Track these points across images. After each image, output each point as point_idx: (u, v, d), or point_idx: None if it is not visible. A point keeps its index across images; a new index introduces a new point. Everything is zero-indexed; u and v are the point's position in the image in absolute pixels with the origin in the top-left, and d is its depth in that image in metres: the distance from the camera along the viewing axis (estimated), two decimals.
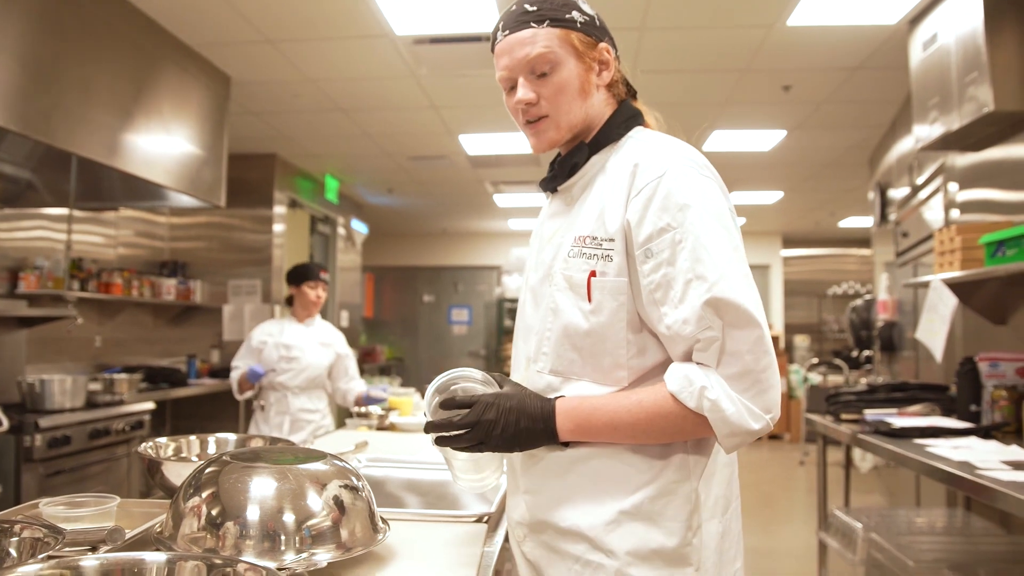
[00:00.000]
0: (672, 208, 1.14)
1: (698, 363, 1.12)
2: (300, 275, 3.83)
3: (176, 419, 5.50)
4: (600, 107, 1.30)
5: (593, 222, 1.22)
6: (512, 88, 1.27)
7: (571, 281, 1.22)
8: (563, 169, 1.31)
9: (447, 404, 1.21)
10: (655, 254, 1.14)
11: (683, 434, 1.15)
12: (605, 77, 1.29)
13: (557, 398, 1.21)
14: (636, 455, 1.18)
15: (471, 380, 1.26)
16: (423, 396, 4.12)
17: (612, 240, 1.19)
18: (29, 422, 3.39)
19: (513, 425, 1.17)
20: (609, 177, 1.24)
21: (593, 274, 1.19)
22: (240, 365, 3.88)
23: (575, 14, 1.25)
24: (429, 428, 1.20)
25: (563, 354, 1.23)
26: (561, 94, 1.24)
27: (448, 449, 1.22)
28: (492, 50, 1.30)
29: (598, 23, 1.29)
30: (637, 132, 1.29)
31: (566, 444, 1.21)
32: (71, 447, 3.59)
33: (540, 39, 1.22)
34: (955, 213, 3.83)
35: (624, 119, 1.30)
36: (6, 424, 3.27)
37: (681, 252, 1.12)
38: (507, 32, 1.26)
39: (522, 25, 1.24)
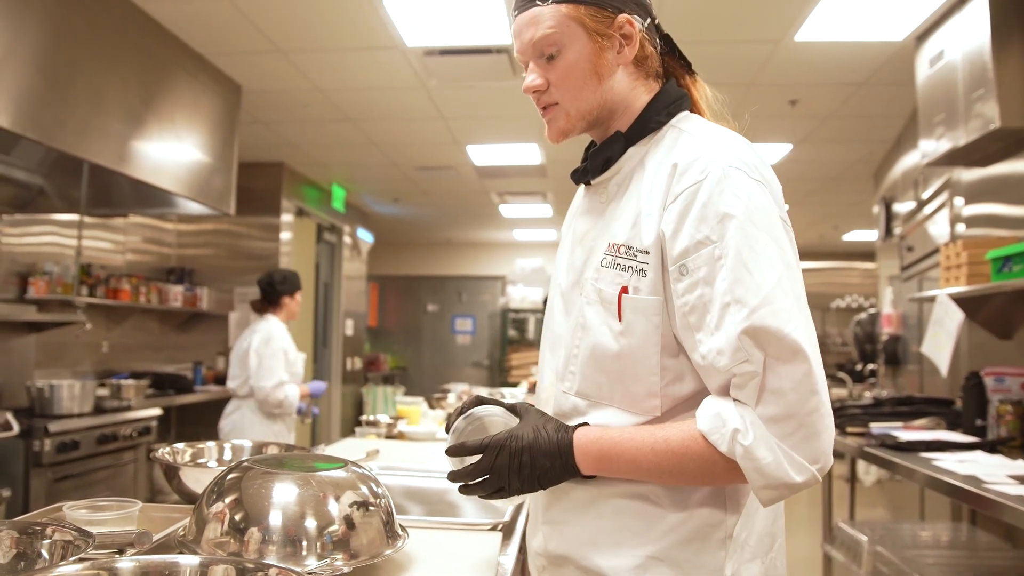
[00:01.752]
0: (711, 218, 0.99)
1: (735, 399, 0.98)
2: (297, 284, 4.06)
3: (181, 425, 5.51)
4: (625, 88, 1.15)
5: (629, 229, 1.09)
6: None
7: (601, 295, 1.09)
8: (596, 162, 1.17)
9: (455, 451, 1.11)
10: (691, 271, 1.00)
11: (714, 479, 1.02)
12: (628, 53, 1.13)
13: (577, 427, 1.09)
14: (665, 492, 1.06)
15: (490, 417, 1.16)
16: (431, 405, 4.09)
17: (647, 252, 1.05)
18: (38, 427, 3.41)
19: (529, 466, 1.06)
20: (647, 176, 1.10)
21: (624, 290, 1.06)
22: (287, 378, 3.86)
23: None
24: (450, 478, 1.13)
25: (591, 376, 1.11)
26: (569, 78, 1.12)
27: None
28: None
29: None
30: (681, 120, 1.14)
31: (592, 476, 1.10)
32: (79, 452, 3.61)
33: (545, 19, 1.10)
34: (961, 228, 3.85)
35: (666, 104, 1.14)
36: (16, 428, 3.28)
37: (721, 270, 0.98)
38: (516, 12, 1.15)
39: (528, 3, 1.12)
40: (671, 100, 1.15)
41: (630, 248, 1.07)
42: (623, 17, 1.12)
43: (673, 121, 1.14)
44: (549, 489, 1.14)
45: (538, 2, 1.11)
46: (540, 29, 1.11)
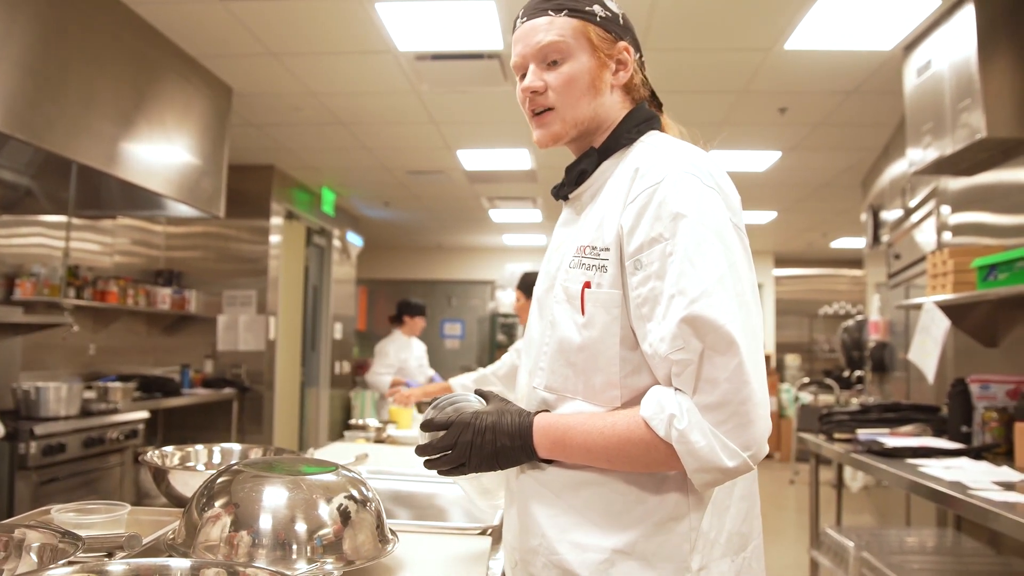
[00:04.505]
0: (665, 217, 1.07)
1: (676, 388, 1.04)
2: (416, 311, 5.68)
3: (168, 429, 5.49)
4: (613, 108, 1.23)
5: (594, 231, 1.16)
6: (523, 76, 1.23)
7: (568, 292, 1.16)
8: (571, 176, 1.25)
9: (425, 425, 1.18)
10: (644, 266, 1.07)
11: (655, 464, 1.06)
12: (622, 77, 1.22)
13: (537, 413, 1.16)
14: (630, 485, 1.10)
15: (463, 403, 1.22)
16: (419, 410, 4.13)
17: (607, 249, 1.12)
18: (24, 429, 3.38)
19: (491, 444, 1.12)
20: (614, 183, 1.18)
21: (588, 285, 1.13)
22: (383, 371, 5.48)
23: (596, 8, 1.20)
24: (417, 452, 1.20)
25: (558, 370, 1.16)
26: (570, 86, 1.18)
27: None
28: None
29: (621, 21, 1.24)
30: (649, 136, 1.22)
31: (551, 461, 1.15)
32: (65, 455, 3.58)
33: (555, 27, 1.18)
34: (947, 236, 3.89)
35: (637, 123, 1.23)
36: (2, 430, 3.26)
37: (671, 265, 1.05)
38: (525, 19, 1.22)
39: (540, 13, 1.20)
40: (642, 119, 1.24)
41: (594, 248, 1.15)
42: (622, 44, 1.22)
43: (642, 138, 1.22)
44: (519, 483, 1.19)
45: (550, 12, 1.19)
46: (550, 35, 1.18)
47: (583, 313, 1.13)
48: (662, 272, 1.05)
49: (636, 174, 1.13)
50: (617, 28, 1.22)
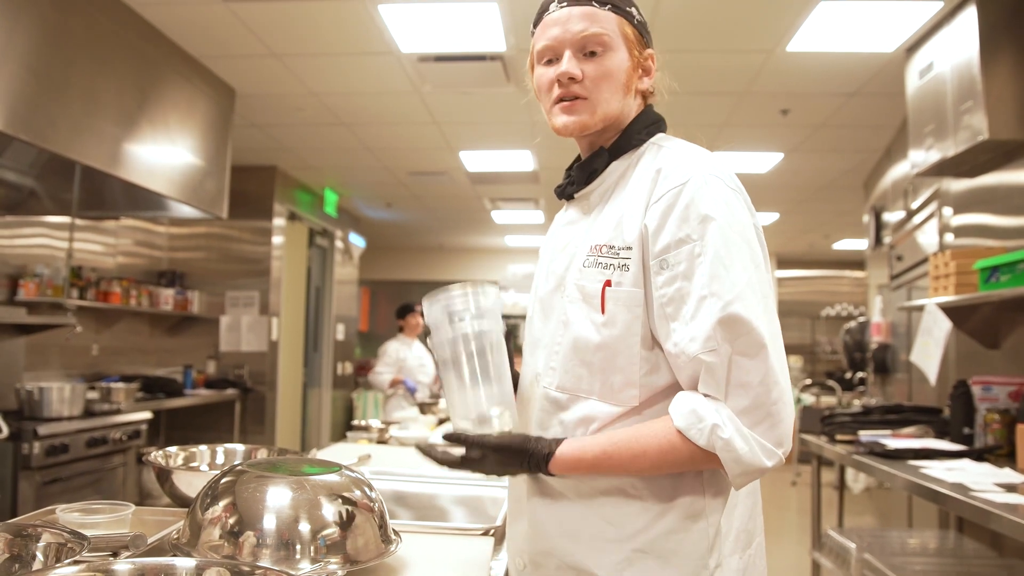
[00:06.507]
0: (693, 219, 1.07)
1: (705, 394, 1.05)
2: (407, 310, 5.99)
3: (170, 429, 5.49)
4: (631, 110, 1.24)
5: (611, 230, 1.15)
6: (550, 61, 1.21)
7: (584, 291, 1.15)
8: (581, 175, 1.24)
9: (463, 441, 1.14)
10: (671, 266, 1.08)
11: (690, 468, 1.09)
12: (646, 82, 1.24)
13: (552, 453, 1.10)
14: (646, 485, 1.11)
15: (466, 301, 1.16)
16: (422, 411, 4.09)
17: (629, 248, 1.12)
18: (27, 429, 3.39)
19: (501, 471, 1.15)
20: (630, 183, 1.18)
21: (608, 284, 1.12)
22: (383, 370, 5.90)
23: (633, 10, 1.23)
24: (425, 452, 1.18)
25: (571, 369, 1.15)
26: (607, 79, 1.18)
27: (446, 383, 1.16)
28: (536, 23, 1.24)
29: (648, 29, 1.26)
30: (660, 139, 1.23)
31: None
32: (68, 455, 3.59)
33: (599, 19, 1.18)
34: (949, 237, 3.89)
35: (646, 124, 1.23)
36: (5, 431, 3.27)
37: (699, 266, 1.05)
38: (564, 4, 1.20)
39: (581, 1, 1.19)
40: (651, 121, 1.24)
41: (612, 247, 1.14)
42: (649, 51, 1.25)
43: (652, 139, 1.23)
44: (534, 488, 1.19)
45: (594, 3, 1.19)
46: (594, 26, 1.18)
47: (603, 312, 1.12)
48: (689, 273, 1.06)
49: (659, 175, 1.13)
50: (647, 34, 1.25)
